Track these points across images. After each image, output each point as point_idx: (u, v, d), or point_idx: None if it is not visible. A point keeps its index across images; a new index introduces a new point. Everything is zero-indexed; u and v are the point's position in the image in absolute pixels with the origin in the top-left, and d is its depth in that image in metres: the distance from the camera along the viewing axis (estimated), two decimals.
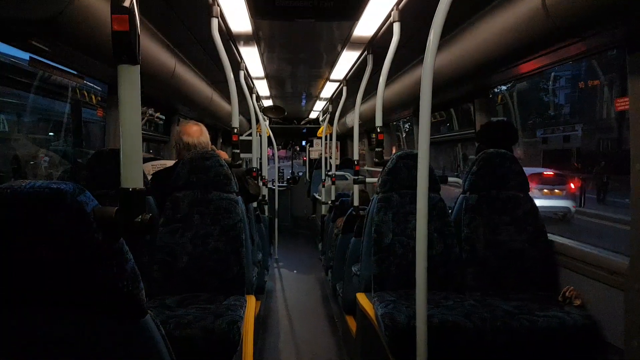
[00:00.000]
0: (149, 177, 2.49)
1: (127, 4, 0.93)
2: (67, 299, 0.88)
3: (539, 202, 2.60)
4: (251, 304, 2.28)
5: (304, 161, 10.04)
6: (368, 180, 3.82)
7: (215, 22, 2.38)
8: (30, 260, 0.84)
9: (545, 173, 12.83)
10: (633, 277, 1.80)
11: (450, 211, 2.60)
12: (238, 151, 2.68)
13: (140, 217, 0.96)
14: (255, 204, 4.25)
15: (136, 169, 0.99)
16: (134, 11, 0.95)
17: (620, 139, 19.17)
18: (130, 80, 0.98)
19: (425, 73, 1.44)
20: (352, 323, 3.07)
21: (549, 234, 2.47)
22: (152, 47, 2.61)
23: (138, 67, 0.98)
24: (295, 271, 5.79)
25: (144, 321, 0.94)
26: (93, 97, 5.66)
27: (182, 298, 2.18)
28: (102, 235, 0.85)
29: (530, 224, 2.46)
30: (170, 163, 2.65)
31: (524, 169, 2.57)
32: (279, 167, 9.93)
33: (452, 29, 2.52)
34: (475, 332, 1.96)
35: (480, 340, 1.97)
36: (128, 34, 0.94)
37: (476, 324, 1.98)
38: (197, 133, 2.62)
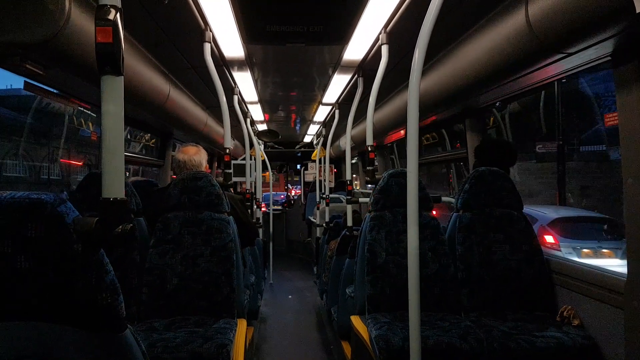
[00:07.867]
0: None
1: (110, 16, 0.96)
2: (45, 311, 0.87)
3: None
4: (242, 327, 2.23)
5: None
6: (361, 200, 3.81)
7: (207, 47, 2.41)
8: (7, 270, 0.83)
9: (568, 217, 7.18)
10: (631, 295, 1.76)
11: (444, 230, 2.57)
12: (230, 171, 2.67)
13: (120, 227, 0.95)
14: None
15: (118, 179, 0.99)
16: (118, 23, 0.97)
17: None
18: (113, 91, 0.99)
19: (411, 92, 1.44)
20: (347, 348, 3.00)
21: (544, 252, 2.45)
22: (146, 72, 2.63)
23: (121, 78, 1.00)
24: (290, 296, 5.70)
25: (123, 336, 0.92)
26: None
27: (171, 321, 2.14)
28: (82, 246, 0.85)
29: (525, 242, 2.44)
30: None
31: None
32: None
33: (440, 50, 2.56)
34: (472, 353, 1.92)
35: None
36: (112, 45, 0.96)
37: (472, 345, 1.93)
38: (191, 151, 2.63)
